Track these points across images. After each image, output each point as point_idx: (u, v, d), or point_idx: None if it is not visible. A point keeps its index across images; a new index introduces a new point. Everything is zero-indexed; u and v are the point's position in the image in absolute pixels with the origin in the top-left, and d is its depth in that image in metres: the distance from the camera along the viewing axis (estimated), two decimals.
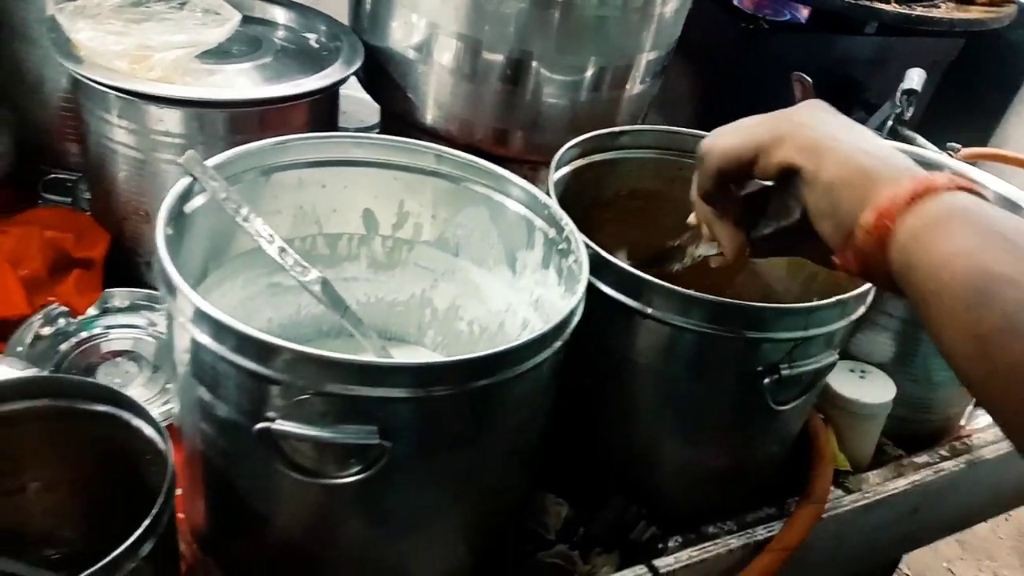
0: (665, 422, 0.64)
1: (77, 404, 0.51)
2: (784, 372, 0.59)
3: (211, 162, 0.57)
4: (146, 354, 0.76)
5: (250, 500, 0.51)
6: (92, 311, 0.78)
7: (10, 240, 0.80)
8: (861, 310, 0.64)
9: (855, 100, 1.19)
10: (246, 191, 0.61)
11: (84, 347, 0.76)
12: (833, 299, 0.60)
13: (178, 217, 0.54)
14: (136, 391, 0.73)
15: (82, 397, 0.51)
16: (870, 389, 0.77)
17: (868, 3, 1.03)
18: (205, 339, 0.46)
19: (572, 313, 0.52)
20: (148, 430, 0.50)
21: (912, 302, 0.40)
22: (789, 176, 0.45)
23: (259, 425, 0.45)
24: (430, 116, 0.86)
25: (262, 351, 0.44)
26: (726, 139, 0.48)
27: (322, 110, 0.80)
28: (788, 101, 0.98)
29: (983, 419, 0.90)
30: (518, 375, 0.48)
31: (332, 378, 0.43)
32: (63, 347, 0.75)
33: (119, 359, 0.76)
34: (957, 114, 1.23)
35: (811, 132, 0.45)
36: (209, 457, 0.52)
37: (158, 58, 0.67)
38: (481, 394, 0.47)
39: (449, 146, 0.87)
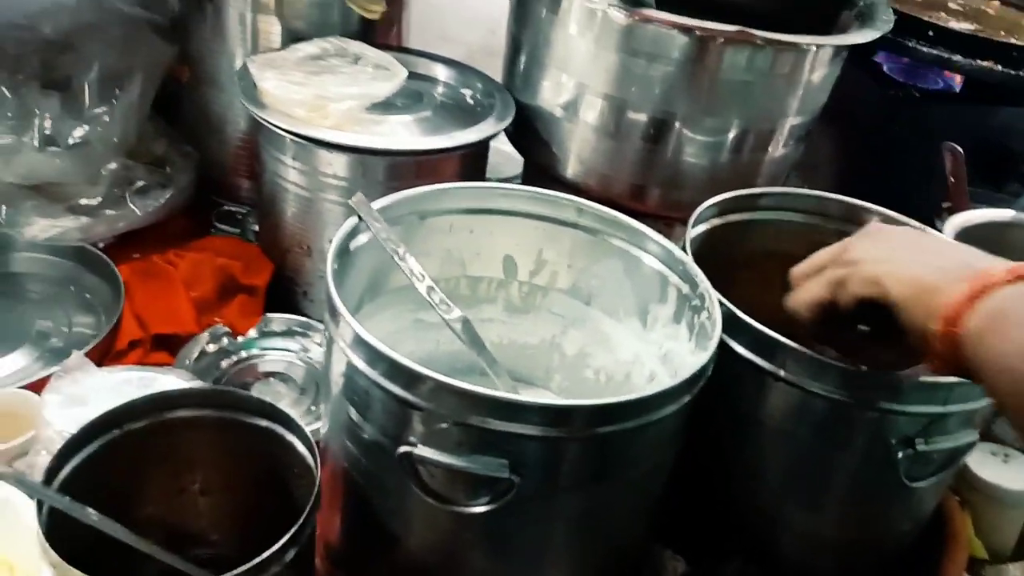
0: (791, 486, 0.63)
1: (240, 416, 0.56)
2: (920, 447, 0.57)
3: (376, 205, 0.62)
4: (296, 377, 0.83)
5: (384, 520, 0.55)
6: (252, 333, 0.85)
7: (186, 264, 0.89)
8: None
9: (1011, 174, 1.14)
10: (403, 232, 0.66)
11: (242, 365, 0.83)
12: None
13: (344, 253, 0.59)
14: (285, 410, 0.79)
15: (245, 410, 0.56)
16: (1013, 474, 0.73)
17: None
18: (360, 363, 0.50)
19: (703, 369, 0.53)
20: (300, 446, 0.54)
21: (994, 399, 0.42)
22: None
23: (401, 449, 0.48)
24: (571, 170, 0.90)
25: (410, 378, 0.47)
26: (799, 297, 0.54)
27: (473, 161, 0.85)
28: (937, 173, 0.96)
29: None
30: (645, 425, 0.49)
31: (470, 409, 0.46)
32: (224, 364, 0.83)
33: (272, 379, 0.83)
34: None
35: (867, 266, 0.48)
36: (351, 476, 0.56)
37: (332, 108, 0.74)
38: (607, 440, 0.48)
39: (588, 199, 0.91)
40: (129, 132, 0.96)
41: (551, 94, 0.87)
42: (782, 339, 0.58)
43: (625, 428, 0.48)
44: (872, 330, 0.54)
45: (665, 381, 0.64)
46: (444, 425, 0.47)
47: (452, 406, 0.47)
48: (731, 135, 0.84)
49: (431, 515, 0.52)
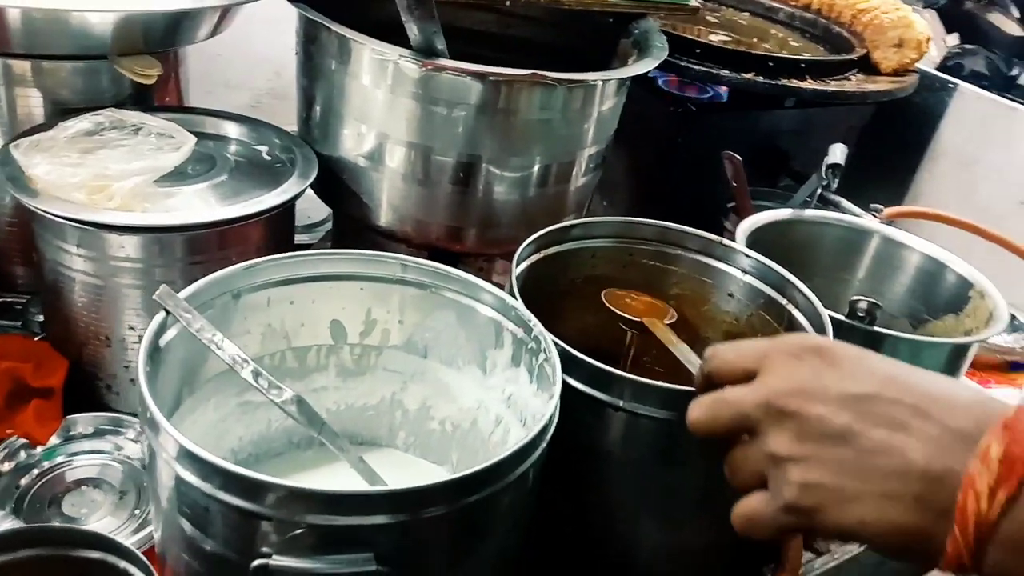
0: (645, 507, 0.65)
1: (69, 552, 0.49)
2: None
3: (184, 293, 0.57)
4: (112, 480, 0.75)
5: None
6: (54, 440, 0.76)
7: None
8: None
9: (783, 170, 1.25)
10: (218, 315, 0.61)
11: (47, 478, 0.74)
12: None
13: (154, 352, 0.54)
14: (105, 520, 0.71)
15: (73, 544, 0.50)
16: None
17: (787, 82, 1.10)
18: (192, 478, 0.46)
19: (552, 417, 0.53)
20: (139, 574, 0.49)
21: None
22: None
23: (256, 562, 0.45)
24: (384, 218, 0.88)
25: (253, 489, 0.44)
26: (704, 420, 0.46)
27: (280, 222, 0.81)
28: (722, 178, 1.03)
29: None
30: (506, 485, 0.48)
31: (326, 510, 0.44)
32: (24, 480, 0.73)
33: (84, 487, 0.74)
34: (873, 175, 1.31)
35: (815, 499, 0.39)
36: None
37: (116, 187, 0.68)
38: (472, 508, 0.47)
39: (404, 244, 0.90)
40: None
41: (353, 144, 0.85)
42: (615, 371, 0.60)
43: (488, 493, 0.48)
44: None
45: (513, 427, 0.65)
46: (299, 530, 0.44)
47: (304, 510, 0.44)
48: (535, 170, 0.86)
49: None
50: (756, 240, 0.88)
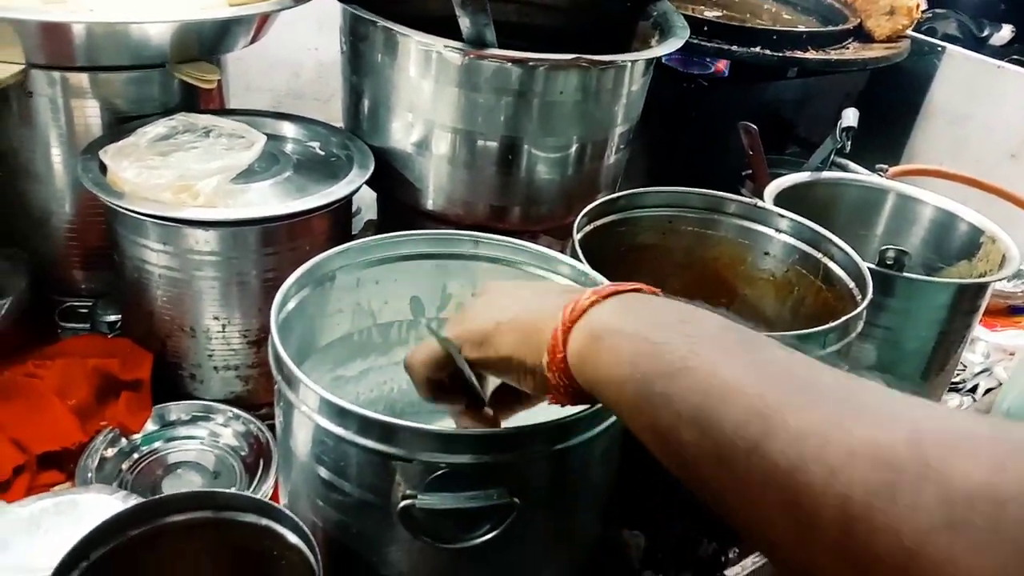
0: None
1: (234, 516, 0.55)
2: None
3: (291, 279, 0.62)
4: (206, 463, 0.80)
5: (382, 571, 0.56)
6: (150, 427, 0.81)
7: (54, 373, 0.82)
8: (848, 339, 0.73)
9: (789, 138, 1.32)
10: (316, 296, 0.66)
11: (147, 462, 0.79)
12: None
13: (283, 322, 0.59)
14: None
15: (237, 509, 0.55)
16: None
17: (791, 54, 1.16)
18: (333, 427, 0.51)
19: None
20: (293, 537, 0.55)
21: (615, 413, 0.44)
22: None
23: (402, 503, 0.50)
24: (432, 202, 0.94)
25: (395, 433, 0.50)
26: (417, 356, 0.54)
27: (342, 213, 0.86)
28: (732, 148, 1.10)
29: None
30: (604, 429, 0.55)
31: (469, 450, 0.49)
32: (125, 464, 0.79)
33: (179, 470, 0.80)
34: (872, 137, 1.38)
35: (476, 327, 0.50)
36: (333, 538, 0.57)
37: (200, 186, 0.73)
38: (576, 448, 0.53)
39: (452, 226, 0.95)
40: None
41: (402, 134, 0.90)
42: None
43: (590, 435, 0.54)
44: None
45: None
46: (440, 472, 0.50)
47: (447, 452, 0.50)
48: (573, 150, 0.92)
49: (431, 557, 0.54)
50: (780, 203, 0.94)
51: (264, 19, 0.92)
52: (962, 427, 0.31)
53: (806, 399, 0.34)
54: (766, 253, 0.86)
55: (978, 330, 1.10)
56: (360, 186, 0.84)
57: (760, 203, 0.84)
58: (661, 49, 0.92)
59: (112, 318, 0.94)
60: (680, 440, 0.37)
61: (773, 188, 0.96)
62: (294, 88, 1.40)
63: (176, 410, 0.82)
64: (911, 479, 0.30)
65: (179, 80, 0.89)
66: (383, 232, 1.04)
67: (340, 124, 1.05)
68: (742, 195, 1.15)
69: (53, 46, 0.83)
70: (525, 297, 0.50)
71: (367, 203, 1.16)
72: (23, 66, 0.82)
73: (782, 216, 0.84)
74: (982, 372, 1.07)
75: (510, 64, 0.83)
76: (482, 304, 0.52)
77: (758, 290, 0.88)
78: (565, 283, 0.64)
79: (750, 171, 1.14)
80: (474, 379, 0.52)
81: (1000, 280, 0.86)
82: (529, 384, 0.48)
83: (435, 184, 0.92)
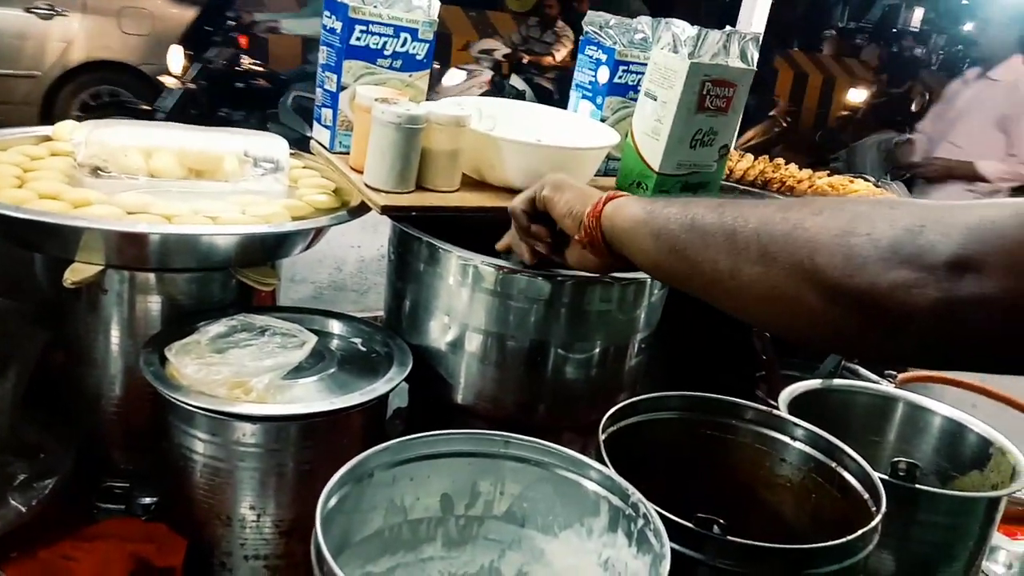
0: None
1: None
2: None
3: (337, 476, 0.66)
4: None
5: None
6: None
7: (94, 558, 0.84)
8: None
9: None
10: (354, 493, 0.69)
11: None
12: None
13: (327, 517, 0.62)
14: None
15: None
16: None
17: None
18: None
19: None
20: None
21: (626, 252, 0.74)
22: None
23: None
24: (462, 397, 0.98)
25: None
26: (518, 197, 0.86)
27: (379, 408, 0.91)
28: (747, 350, 1.14)
29: None
30: None
31: None
32: None
33: None
34: None
35: (558, 180, 0.83)
36: None
37: (254, 382, 0.78)
38: None
39: (481, 420, 0.99)
40: (2, 427, 0.92)
41: (438, 334, 0.97)
42: (708, 533, 0.68)
43: None
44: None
45: None
46: None
47: None
48: (596, 352, 0.97)
49: None
50: (794, 409, 0.98)
51: (319, 231, 1.02)
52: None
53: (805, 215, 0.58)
54: (783, 460, 0.88)
55: (997, 538, 1.10)
56: (399, 383, 0.89)
57: (776, 411, 0.88)
58: None
59: (148, 500, 0.96)
60: (703, 271, 0.64)
61: (787, 394, 1.00)
62: (336, 280, 1.49)
63: None
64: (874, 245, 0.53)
65: (236, 280, 0.97)
66: (413, 422, 1.09)
67: (376, 314, 1.12)
68: (757, 397, 1.19)
69: (131, 251, 0.92)
70: (581, 186, 0.83)
71: (396, 391, 1.21)
72: (102, 267, 0.90)
73: (797, 425, 0.87)
74: None
75: (540, 279, 0.91)
76: (556, 181, 0.83)
77: (778, 495, 0.90)
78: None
79: (763, 373, 1.19)
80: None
81: (1013, 492, 0.88)
82: (573, 228, 0.79)
83: (466, 380, 0.97)
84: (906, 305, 0.50)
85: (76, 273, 0.86)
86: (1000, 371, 0.54)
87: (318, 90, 1.07)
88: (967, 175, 2.87)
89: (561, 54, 5.77)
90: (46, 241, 0.92)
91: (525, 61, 5.64)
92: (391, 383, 0.88)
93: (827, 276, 0.54)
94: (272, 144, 1.08)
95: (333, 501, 0.66)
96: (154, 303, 0.97)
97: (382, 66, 1.04)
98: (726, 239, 0.61)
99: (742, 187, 1.64)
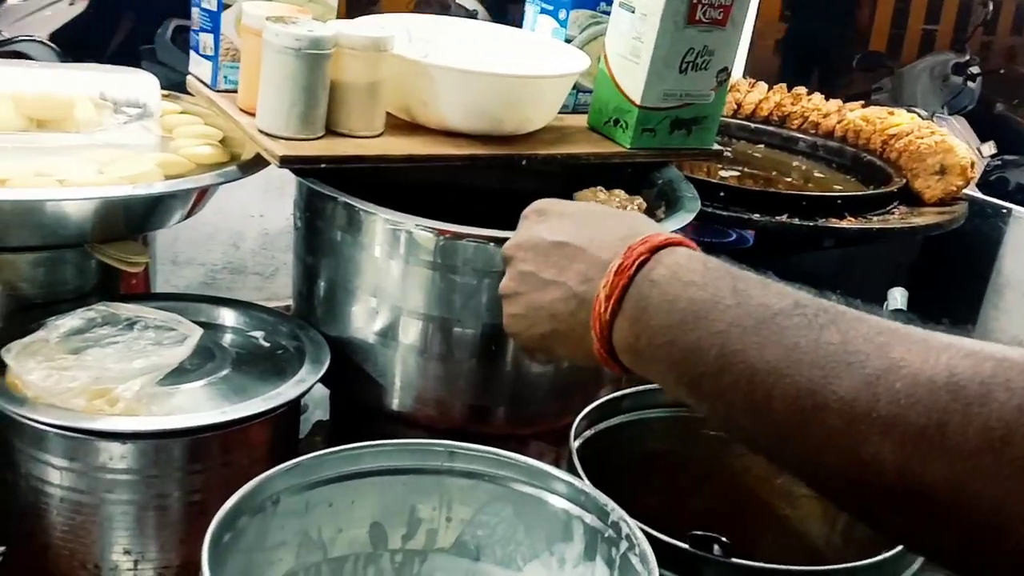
0: None
1: None
2: None
3: (229, 503, 0.66)
4: None
5: None
6: None
7: None
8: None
9: None
10: (255, 527, 0.70)
11: None
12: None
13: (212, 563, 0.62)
14: None
15: None
16: None
17: (825, 222, 1.26)
18: None
19: None
20: None
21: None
22: None
23: None
24: (397, 400, 0.99)
25: None
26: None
27: (288, 419, 0.91)
28: None
29: None
30: None
31: None
32: None
33: None
34: (930, 317, 1.46)
35: (522, 340, 0.76)
36: None
37: (120, 390, 0.78)
38: None
39: (422, 430, 1.00)
40: None
41: (363, 321, 0.97)
42: (705, 554, 0.70)
43: None
44: None
45: None
46: None
47: None
48: None
49: None
50: None
51: (203, 193, 1.01)
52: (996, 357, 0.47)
53: (843, 367, 0.50)
54: None
55: None
56: (312, 385, 0.89)
57: None
58: (667, 225, 1.01)
59: None
60: (739, 424, 0.57)
61: None
62: (233, 261, 1.49)
63: None
64: (957, 417, 0.45)
65: (97, 260, 0.97)
66: (336, 438, 1.09)
67: (287, 305, 1.12)
68: None
69: None
70: (552, 298, 0.70)
71: (316, 400, 1.21)
72: None
73: None
74: None
75: (492, 244, 0.91)
76: (533, 240, 0.73)
77: (801, 510, 0.92)
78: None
79: None
80: None
81: None
82: (563, 353, 0.73)
83: (402, 380, 0.98)
84: None
85: None
86: None
87: (194, 10, 1.06)
88: None
89: None
90: None
91: None
92: (302, 385, 0.88)
93: None
94: (137, 83, 1.07)
95: (226, 537, 0.66)
96: None
97: None
98: None
99: (753, 124, 1.66)
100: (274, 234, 1.51)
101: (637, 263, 0.62)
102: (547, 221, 0.74)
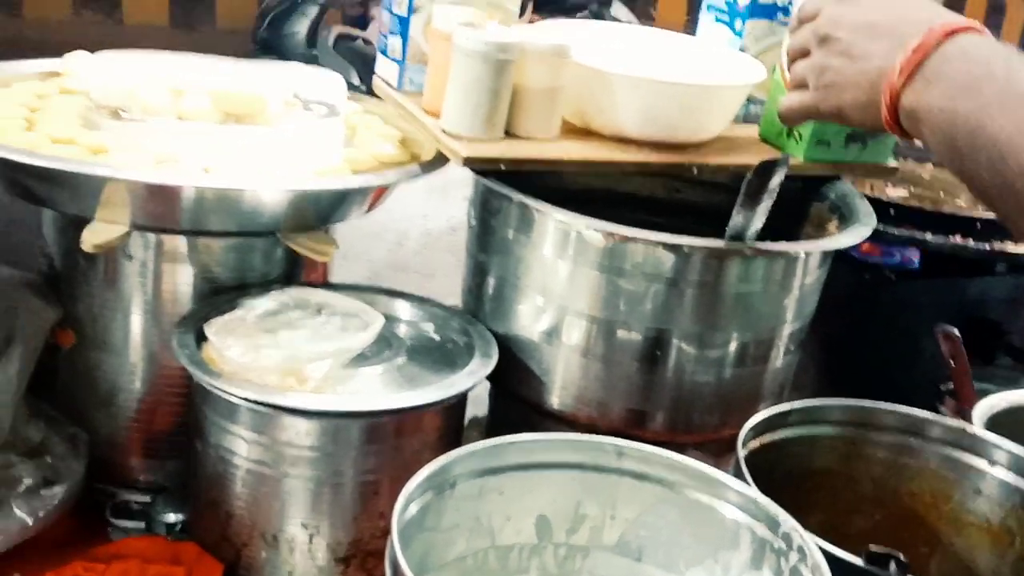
0: None
1: None
2: None
3: (412, 483, 0.69)
4: None
5: None
6: None
7: None
8: None
9: (997, 346, 1.35)
10: (431, 506, 0.73)
11: None
12: None
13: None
14: None
15: None
16: None
17: (998, 245, 1.22)
18: None
19: None
20: None
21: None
22: None
23: None
24: (558, 399, 1.01)
25: None
26: (791, 108, 0.88)
27: (457, 409, 0.94)
28: (926, 356, 1.14)
29: None
30: None
31: None
32: None
33: None
34: None
35: (832, 93, 0.81)
36: None
37: (311, 369, 0.82)
38: None
39: (580, 430, 1.01)
40: (4, 419, 0.99)
41: (529, 320, 0.99)
42: (877, 570, 0.69)
43: None
44: None
45: None
46: None
47: None
48: (732, 348, 0.98)
49: None
50: (994, 428, 0.97)
51: (383, 189, 1.06)
52: None
53: None
54: (977, 492, 0.88)
55: None
56: (483, 377, 0.92)
57: (970, 428, 0.88)
58: (843, 240, 0.99)
59: (172, 519, 1.01)
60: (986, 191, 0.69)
61: (984, 409, 0.99)
62: (396, 259, 1.54)
63: None
64: None
65: (283, 249, 1.02)
66: (493, 433, 1.12)
67: (449, 304, 1.16)
68: (942, 415, 1.18)
69: (159, 208, 0.97)
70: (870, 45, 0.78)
71: (472, 396, 1.25)
72: (127, 229, 0.95)
73: (998, 447, 0.87)
74: None
75: (660, 247, 0.92)
76: (847, 17, 0.80)
77: (968, 539, 0.89)
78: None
79: (951, 386, 1.18)
80: None
81: None
82: (856, 116, 0.80)
83: (564, 379, 1.00)
84: None
85: (97, 234, 0.92)
86: None
87: (383, 13, 1.11)
88: None
89: None
90: (60, 194, 0.98)
91: None
92: (473, 377, 0.91)
93: None
94: (326, 83, 1.12)
95: (413, 511, 0.69)
96: (183, 275, 1.02)
97: None
98: None
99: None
100: (436, 235, 1.55)
101: (936, 43, 0.71)
102: (856, 3, 0.81)
